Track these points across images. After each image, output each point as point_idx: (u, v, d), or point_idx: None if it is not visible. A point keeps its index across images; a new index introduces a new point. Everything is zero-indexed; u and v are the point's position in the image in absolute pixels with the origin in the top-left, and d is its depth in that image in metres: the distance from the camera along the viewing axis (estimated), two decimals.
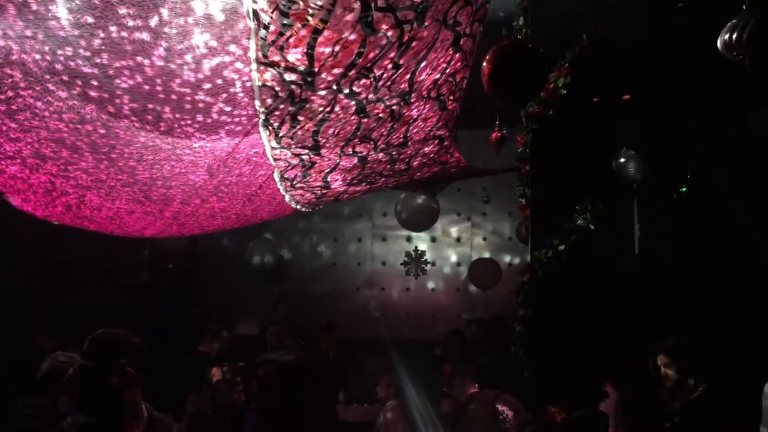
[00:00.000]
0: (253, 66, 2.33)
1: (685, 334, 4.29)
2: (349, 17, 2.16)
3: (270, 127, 2.79)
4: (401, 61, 2.54)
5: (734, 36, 2.49)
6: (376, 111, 2.90)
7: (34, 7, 2.01)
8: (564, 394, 4.38)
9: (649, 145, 5.08)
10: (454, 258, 9.42)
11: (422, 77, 2.77)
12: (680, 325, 4.67)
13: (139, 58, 2.25)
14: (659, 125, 5.33)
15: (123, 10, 2.03)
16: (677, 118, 5.27)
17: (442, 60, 2.74)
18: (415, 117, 3.18)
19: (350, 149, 3.29)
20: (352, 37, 2.28)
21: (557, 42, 4.27)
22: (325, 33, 2.22)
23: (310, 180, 3.67)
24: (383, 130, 3.15)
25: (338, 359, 7.53)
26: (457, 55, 2.79)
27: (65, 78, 2.35)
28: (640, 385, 4.01)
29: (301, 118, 2.75)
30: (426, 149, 3.78)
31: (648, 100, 5.08)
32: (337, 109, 2.75)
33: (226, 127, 2.77)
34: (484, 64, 2.62)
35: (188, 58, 2.27)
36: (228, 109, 2.60)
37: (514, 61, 2.57)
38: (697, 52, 4.20)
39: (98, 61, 2.25)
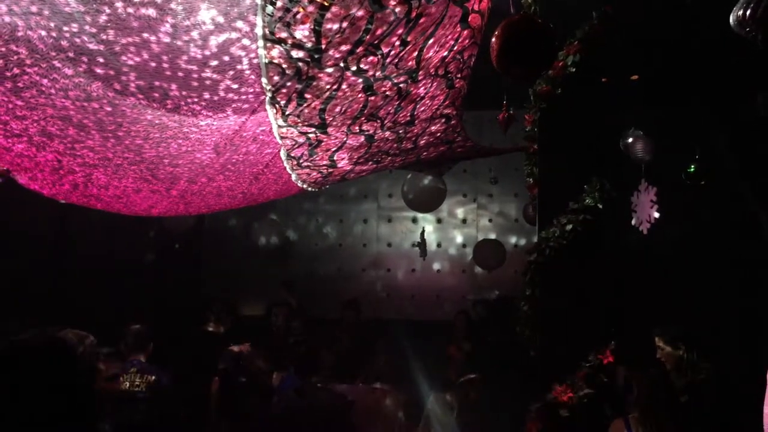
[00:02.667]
0: (260, 43, 2.31)
1: (690, 315, 4.29)
2: None
3: (277, 105, 2.77)
4: (409, 38, 2.52)
5: (748, 12, 2.46)
6: (383, 89, 2.88)
7: None
8: (570, 373, 4.40)
9: (657, 126, 5.04)
10: (459, 239, 9.41)
11: (430, 54, 2.75)
12: (686, 306, 4.66)
13: (145, 35, 2.23)
14: (668, 105, 5.29)
15: None
16: (686, 99, 5.23)
17: (450, 37, 2.72)
18: (422, 95, 3.16)
19: (357, 127, 3.27)
20: (360, 13, 2.26)
21: (566, 20, 4.22)
22: (333, 9, 2.21)
23: (317, 159, 3.66)
24: (390, 108, 3.13)
25: (356, 339, 7.48)
26: (465, 32, 2.76)
27: (71, 55, 2.34)
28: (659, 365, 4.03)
29: (308, 95, 2.74)
30: (433, 128, 3.76)
31: (657, 79, 5.03)
32: (344, 86, 2.73)
33: (233, 105, 2.76)
34: (494, 39, 2.59)
35: (195, 34, 2.26)
36: (235, 86, 2.59)
37: (524, 35, 2.54)
38: (707, 32, 4.16)
39: (104, 37, 2.24)
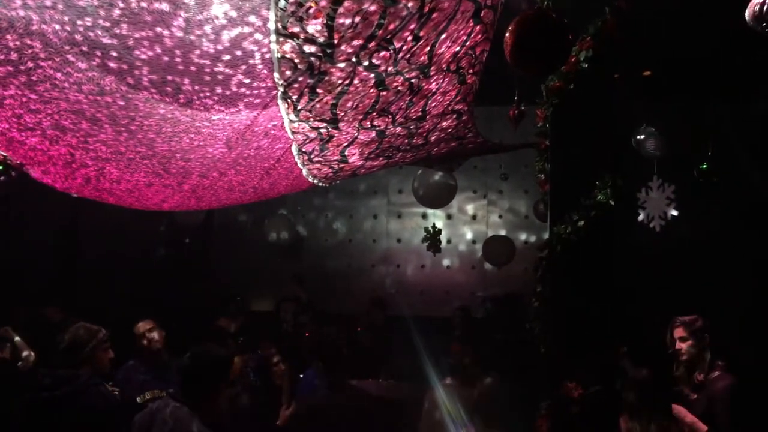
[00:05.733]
0: (273, 37, 2.31)
1: (703, 312, 4.25)
2: None
3: (289, 100, 2.78)
4: (421, 33, 2.51)
5: (764, 7, 2.44)
6: (395, 84, 2.88)
7: None
8: (580, 370, 4.39)
9: (669, 122, 5.01)
10: (469, 236, 9.39)
11: (442, 50, 2.74)
12: (698, 303, 4.63)
13: (158, 29, 2.24)
14: (681, 102, 5.26)
15: None
16: (699, 95, 5.20)
17: (462, 32, 2.71)
18: (434, 90, 3.15)
19: (368, 123, 3.27)
20: (372, 8, 2.26)
21: (579, 15, 4.20)
22: (345, 4, 2.20)
23: (328, 154, 3.67)
24: (402, 103, 3.13)
25: (383, 336, 7.46)
26: (478, 27, 2.75)
27: (85, 49, 2.35)
28: (652, 364, 3.98)
29: (319, 90, 2.74)
30: (444, 124, 3.76)
31: (670, 75, 5.00)
32: (356, 81, 2.73)
33: (245, 100, 2.76)
34: (507, 34, 2.58)
35: (207, 29, 2.26)
36: (247, 81, 2.59)
37: (538, 30, 2.53)
38: (721, 27, 4.13)
39: (117, 32, 2.25)
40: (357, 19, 2.29)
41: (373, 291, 8.73)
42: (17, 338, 4.30)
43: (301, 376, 5.54)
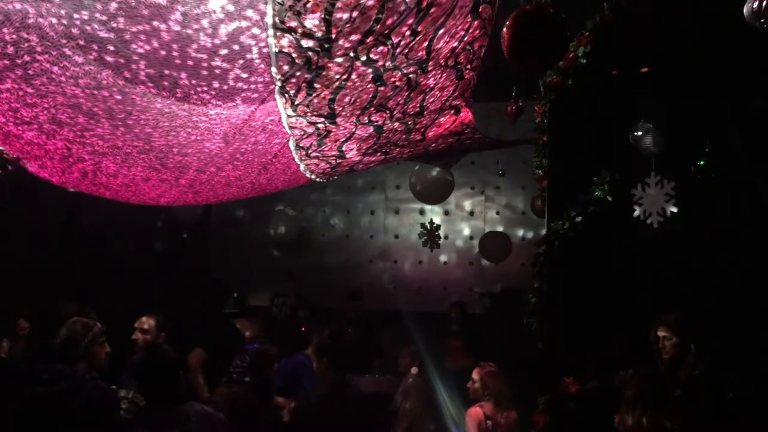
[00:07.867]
0: (270, 32, 2.31)
1: (700, 308, 4.27)
2: None
3: (286, 95, 2.77)
4: (419, 28, 2.51)
5: (763, 3, 2.44)
6: (393, 79, 2.87)
7: None
8: (578, 365, 4.40)
9: (667, 119, 5.02)
10: (467, 231, 9.40)
11: (440, 45, 2.74)
12: (696, 299, 4.65)
13: (155, 23, 2.23)
14: (678, 98, 5.26)
15: None
16: (696, 92, 5.20)
17: (460, 27, 2.71)
18: (431, 86, 3.14)
19: (366, 118, 3.26)
20: (370, 2, 2.26)
21: (577, 10, 4.21)
22: None
23: (325, 149, 3.66)
24: (400, 98, 3.12)
25: (363, 330, 7.48)
26: (476, 23, 2.75)
27: (81, 43, 2.34)
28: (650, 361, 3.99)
29: (317, 85, 2.73)
30: (442, 119, 3.75)
31: (668, 72, 5.00)
32: (353, 76, 2.72)
33: (243, 94, 2.76)
34: (505, 29, 2.58)
35: (205, 23, 2.26)
36: (244, 75, 2.59)
37: (536, 25, 2.54)
38: (719, 24, 4.13)
39: (114, 25, 2.24)
40: (355, 14, 2.28)
41: (354, 285, 8.75)
42: None
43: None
